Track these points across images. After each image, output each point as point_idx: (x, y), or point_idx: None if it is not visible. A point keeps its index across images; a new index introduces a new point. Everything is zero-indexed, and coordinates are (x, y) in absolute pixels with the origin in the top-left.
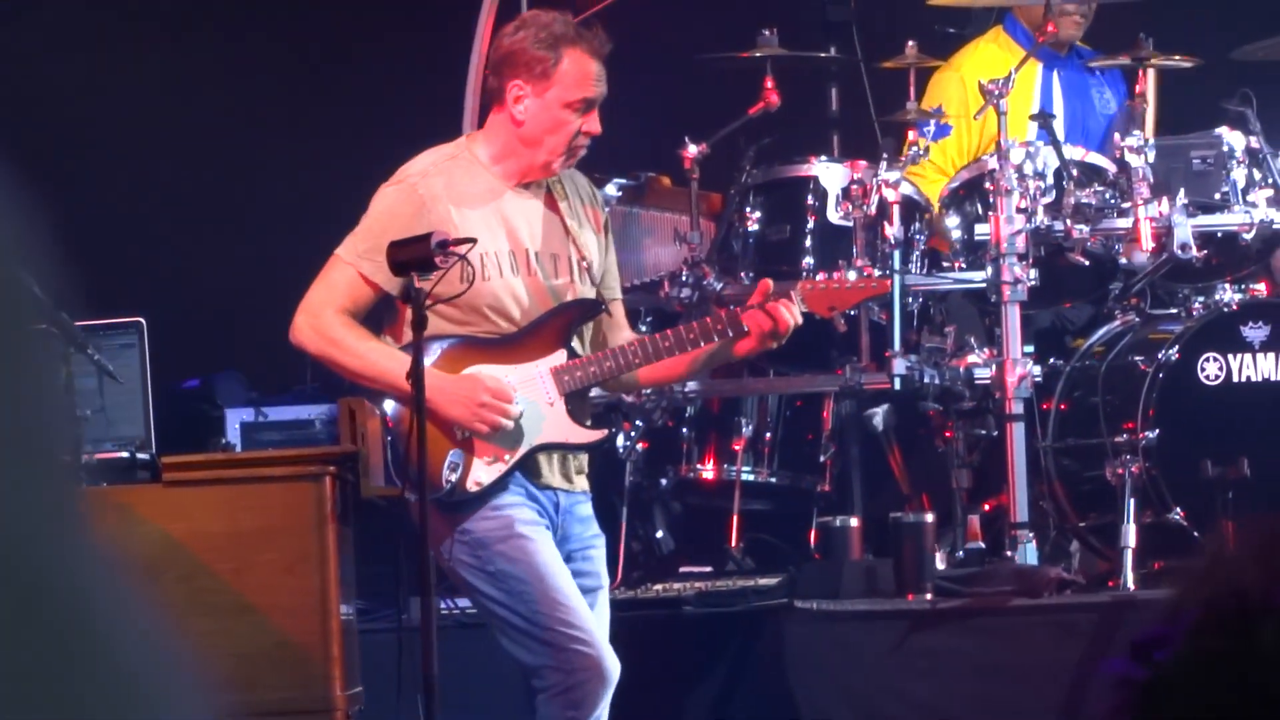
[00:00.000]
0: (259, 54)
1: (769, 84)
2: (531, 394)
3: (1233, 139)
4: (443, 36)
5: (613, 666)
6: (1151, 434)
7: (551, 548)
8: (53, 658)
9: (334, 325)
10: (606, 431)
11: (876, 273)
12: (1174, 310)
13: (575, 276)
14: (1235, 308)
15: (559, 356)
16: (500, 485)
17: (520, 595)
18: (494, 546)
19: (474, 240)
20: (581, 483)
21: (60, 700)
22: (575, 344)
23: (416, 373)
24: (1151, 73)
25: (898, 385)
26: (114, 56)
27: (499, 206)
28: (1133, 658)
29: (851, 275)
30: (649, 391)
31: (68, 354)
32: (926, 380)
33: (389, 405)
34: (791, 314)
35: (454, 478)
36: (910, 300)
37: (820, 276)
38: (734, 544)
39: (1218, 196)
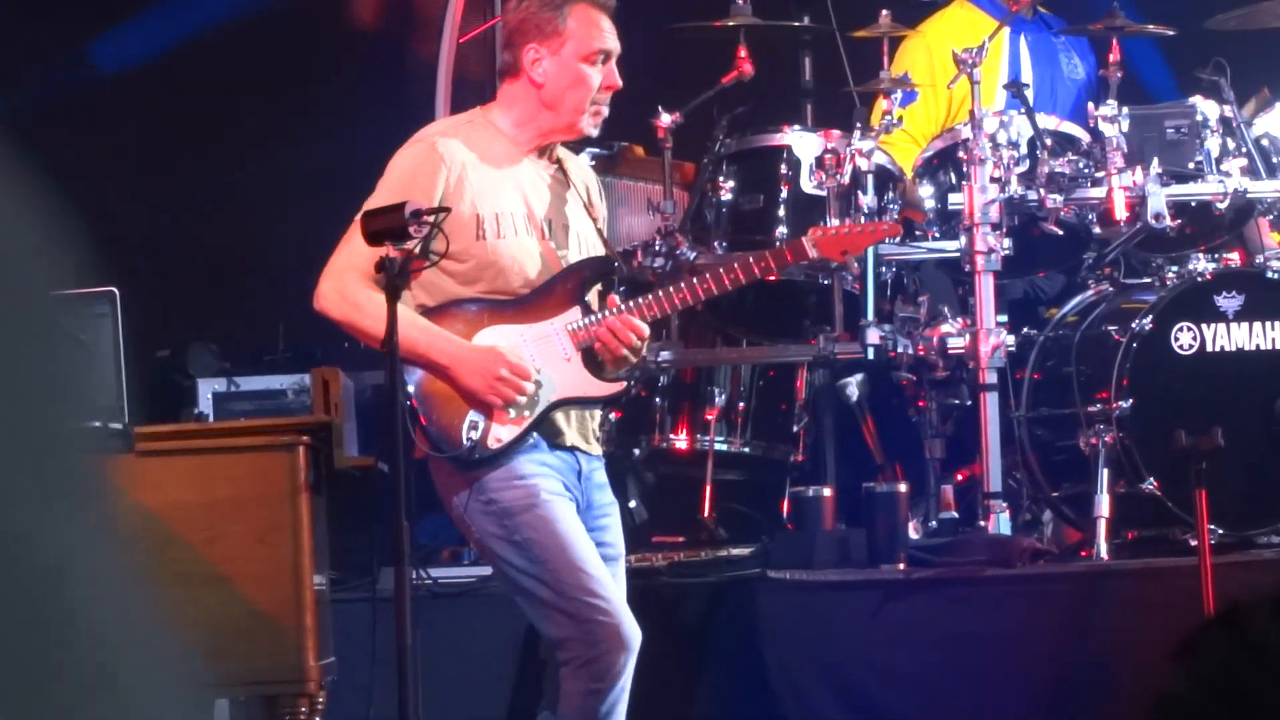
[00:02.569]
0: (235, 27)
1: (742, 53)
2: (547, 351)
3: (1206, 108)
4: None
5: (634, 635)
6: (1125, 404)
7: (575, 518)
8: (31, 635)
9: (355, 289)
10: (625, 383)
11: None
12: (1147, 280)
13: (582, 250)
14: (1209, 277)
15: (573, 313)
16: (520, 443)
17: (545, 564)
18: (519, 516)
19: (448, 210)
20: (597, 447)
21: (39, 679)
22: (589, 300)
23: (390, 340)
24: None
25: (871, 355)
26: (89, 26)
27: (514, 171)
28: None
29: (862, 219)
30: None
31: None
32: (900, 350)
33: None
34: (634, 328)
35: (475, 435)
36: (884, 270)
37: (832, 222)
38: (707, 514)
39: (1191, 166)
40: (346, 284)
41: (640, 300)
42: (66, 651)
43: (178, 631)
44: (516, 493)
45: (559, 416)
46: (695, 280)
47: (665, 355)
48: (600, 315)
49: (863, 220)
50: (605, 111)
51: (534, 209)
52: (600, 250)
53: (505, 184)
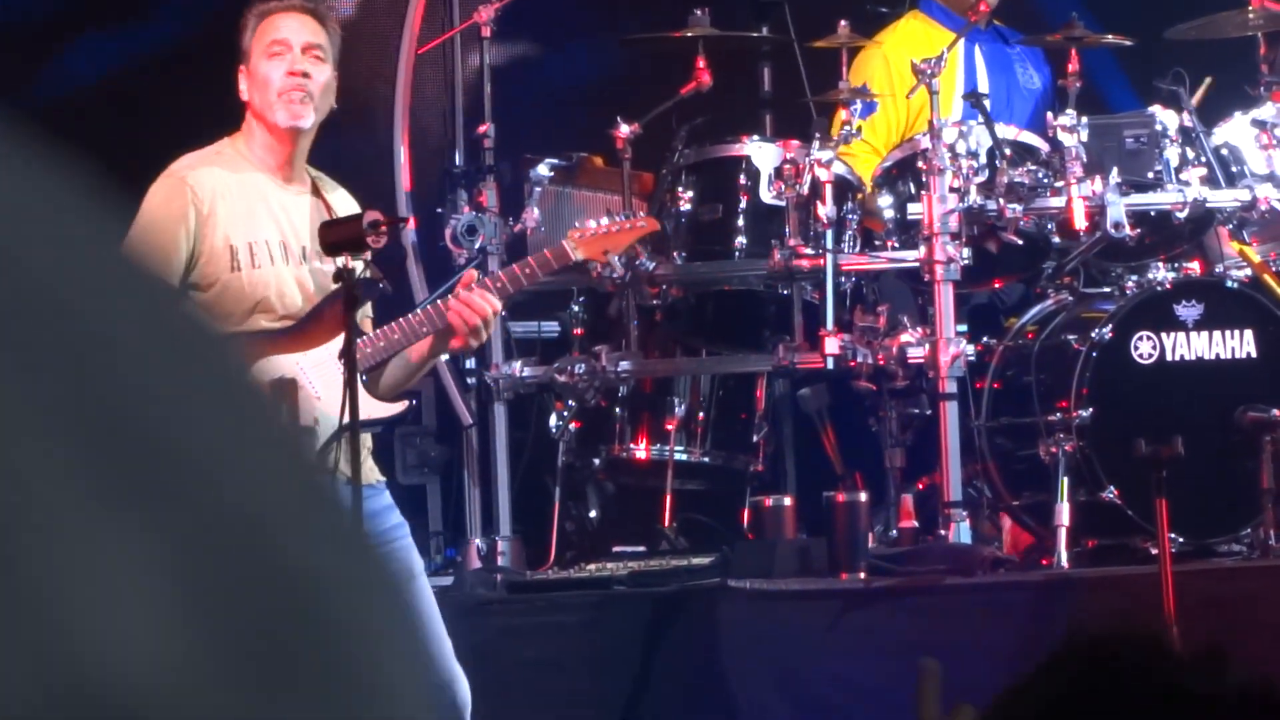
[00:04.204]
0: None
1: (701, 64)
2: (325, 377)
3: (1166, 118)
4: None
5: None
6: (1085, 413)
7: None
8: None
9: None
10: (408, 402)
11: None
12: (1107, 289)
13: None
14: (1169, 286)
15: (339, 340)
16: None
17: None
18: None
19: (406, 219)
20: (373, 472)
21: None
22: (359, 322)
23: (349, 348)
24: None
25: (831, 365)
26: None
27: (265, 199)
28: None
29: (620, 218)
30: (581, 371)
31: None
32: (859, 359)
33: None
34: (489, 301)
35: None
36: (843, 280)
37: (590, 223)
38: (667, 523)
39: (1151, 175)
40: None
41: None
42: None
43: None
44: None
45: (333, 447)
46: (465, 292)
47: (625, 365)
48: (372, 336)
49: (620, 219)
50: (299, 99)
51: (288, 235)
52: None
53: (257, 212)
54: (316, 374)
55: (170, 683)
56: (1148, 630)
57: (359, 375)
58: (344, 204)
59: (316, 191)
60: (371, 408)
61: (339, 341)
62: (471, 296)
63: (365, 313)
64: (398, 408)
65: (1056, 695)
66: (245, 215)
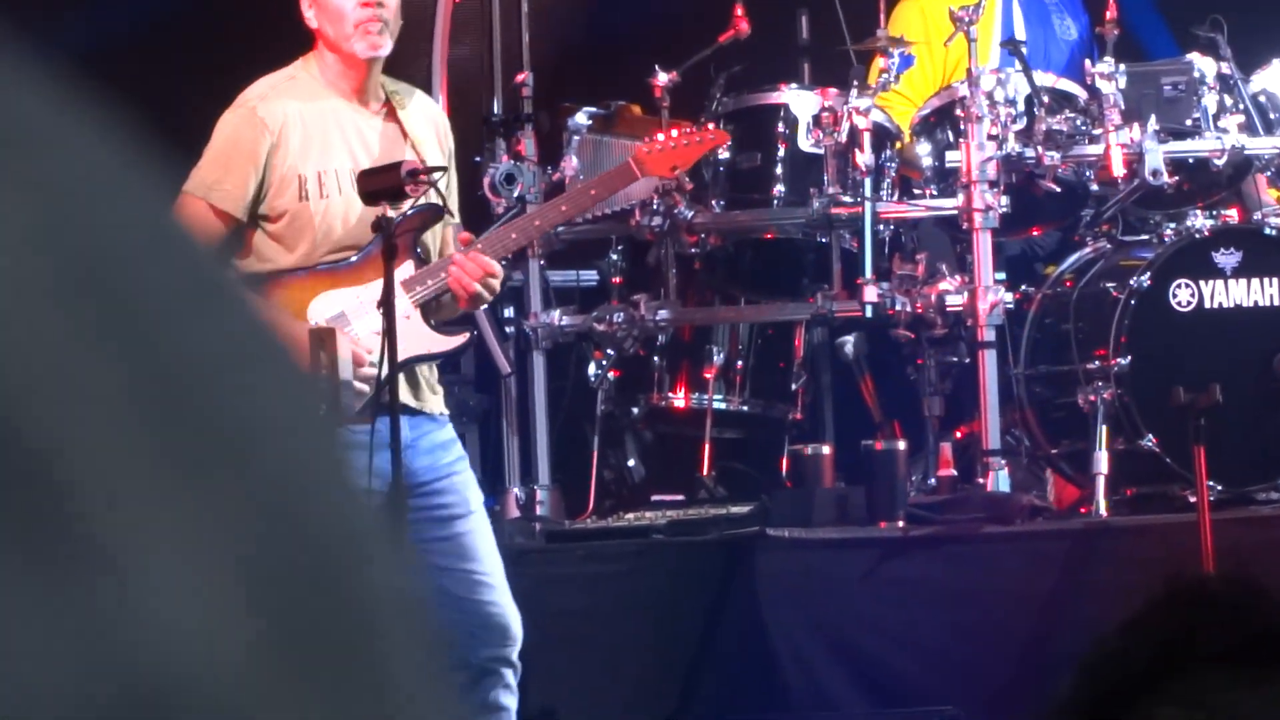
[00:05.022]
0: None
1: (739, 11)
2: None
3: (1204, 65)
4: None
5: None
6: (1123, 361)
7: None
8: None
9: None
10: (469, 334)
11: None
12: (1145, 237)
13: (423, 193)
14: (1207, 234)
15: (406, 268)
16: (369, 409)
17: None
18: None
19: (445, 169)
20: (435, 403)
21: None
22: (422, 252)
23: (388, 298)
24: None
25: (869, 313)
26: None
27: (339, 124)
28: None
29: (687, 130)
30: (620, 319)
31: None
32: (898, 308)
33: None
34: (481, 264)
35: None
36: (881, 228)
37: (659, 137)
38: (705, 472)
39: (1189, 123)
40: None
41: (486, 236)
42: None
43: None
44: None
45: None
46: (534, 216)
47: (663, 314)
48: (436, 263)
49: (687, 131)
50: (377, 30)
51: (361, 163)
52: (443, 187)
53: (331, 140)
54: (377, 307)
55: (230, 680)
56: (1247, 574)
57: (421, 307)
58: (420, 117)
59: (392, 113)
60: (431, 341)
61: (402, 272)
62: (464, 260)
63: (437, 234)
64: (458, 340)
65: (1164, 638)
66: (317, 144)
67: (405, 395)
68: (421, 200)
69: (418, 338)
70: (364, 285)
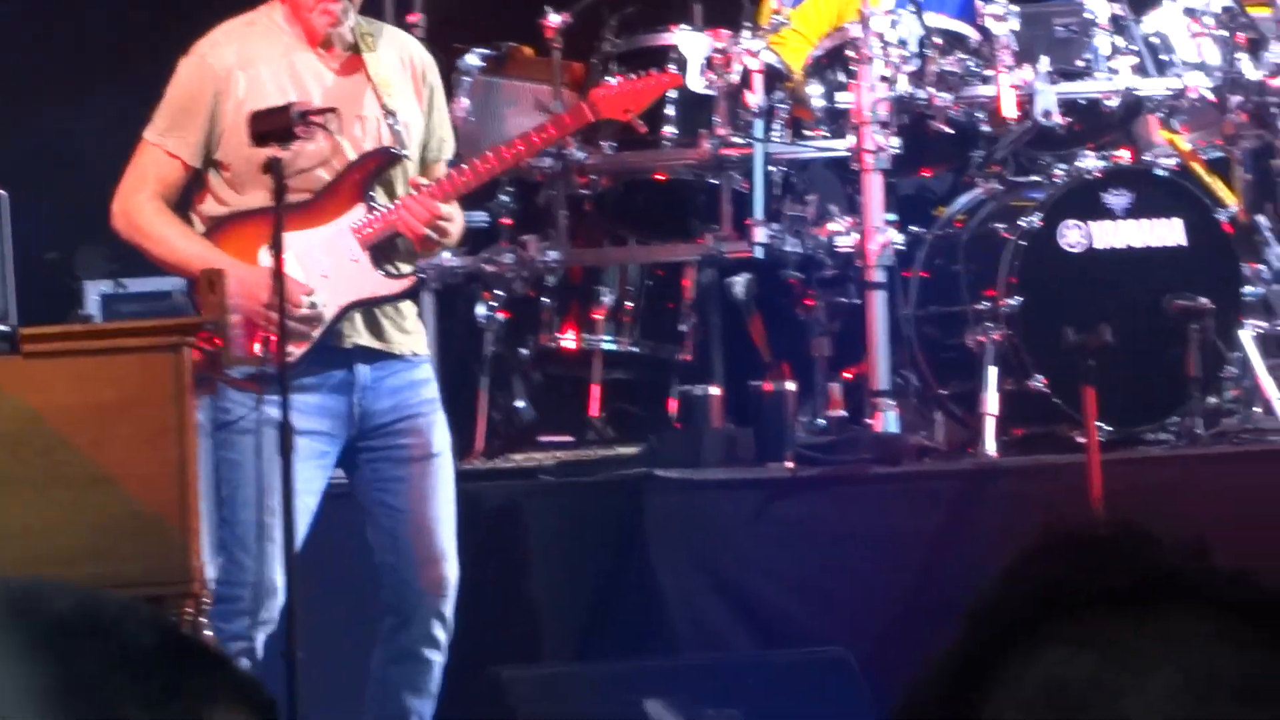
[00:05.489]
0: None
1: None
2: (335, 253)
3: (1096, 6)
4: None
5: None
6: (1013, 301)
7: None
8: None
9: (141, 211)
10: (413, 279)
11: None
12: (1036, 178)
13: (381, 136)
14: (1098, 175)
15: (358, 211)
16: (312, 353)
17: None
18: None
19: (335, 109)
20: (404, 344)
21: None
22: (378, 196)
23: (277, 242)
24: None
25: (759, 254)
26: None
27: (293, 71)
28: None
29: (643, 73)
30: (509, 260)
31: None
32: (788, 249)
33: None
34: (426, 206)
35: (264, 352)
36: (772, 169)
37: (610, 80)
38: (594, 413)
39: (1080, 64)
40: (131, 206)
41: (437, 179)
42: None
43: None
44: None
45: (343, 318)
46: (488, 154)
47: (553, 255)
48: (388, 206)
49: (642, 73)
50: (339, 10)
51: (317, 104)
52: (415, 130)
53: (282, 86)
54: (325, 250)
55: None
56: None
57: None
58: (391, 58)
59: (357, 57)
60: (376, 284)
61: (350, 215)
62: (410, 202)
63: (408, 174)
64: (402, 284)
65: (1049, 581)
66: (268, 90)
67: (365, 337)
68: (370, 146)
69: (364, 281)
70: (314, 228)
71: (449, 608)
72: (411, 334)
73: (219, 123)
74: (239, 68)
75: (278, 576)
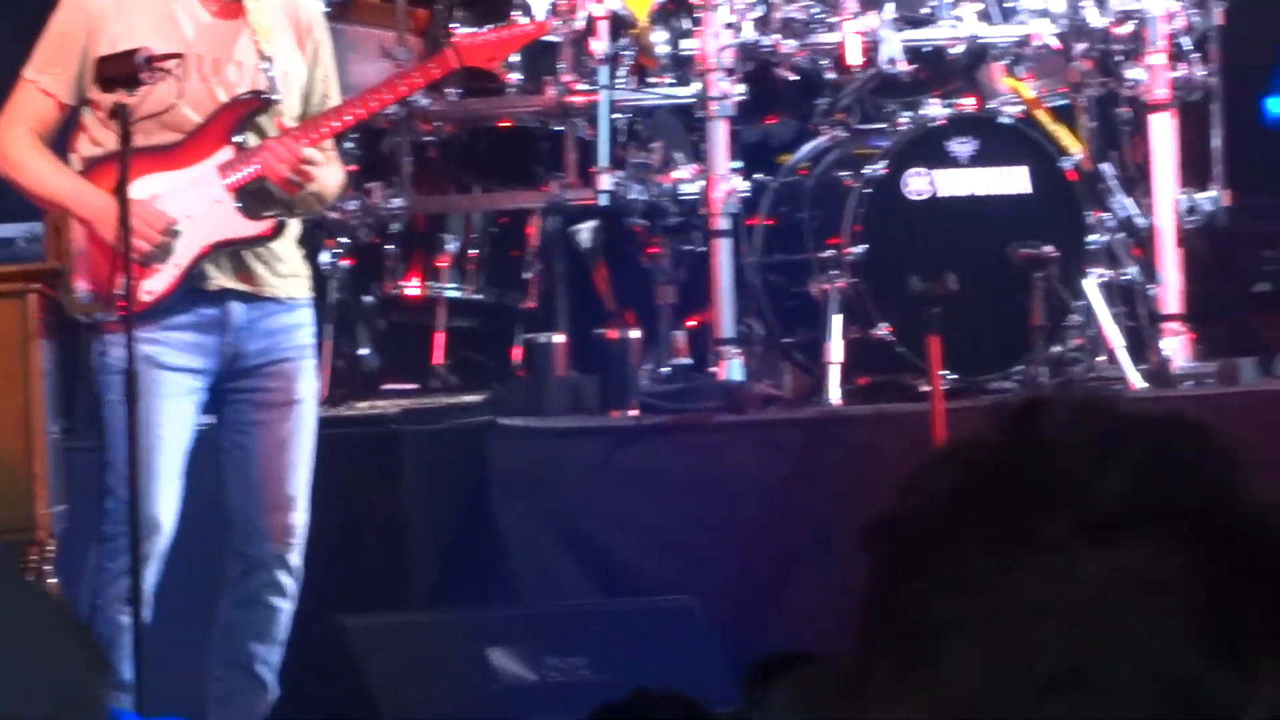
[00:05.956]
0: None
1: None
2: (199, 195)
3: None
4: None
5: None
6: (858, 249)
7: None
8: None
9: (14, 145)
10: (274, 222)
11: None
12: (881, 125)
13: (255, 82)
14: (942, 123)
15: (224, 153)
16: (177, 294)
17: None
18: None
19: (181, 55)
20: (280, 287)
21: None
22: (247, 139)
23: (122, 189)
24: None
25: (604, 201)
26: None
27: (168, 14)
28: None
29: (508, 21)
30: (353, 207)
31: None
32: (633, 196)
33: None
34: (290, 150)
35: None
36: (617, 116)
37: (476, 29)
38: (439, 361)
39: (926, 11)
40: (5, 141)
41: (302, 124)
42: None
43: None
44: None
45: (208, 262)
46: (353, 100)
47: (397, 202)
48: (254, 150)
49: (507, 22)
50: None
51: (192, 47)
52: (295, 78)
53: (158, 28)
54: (192, 190)
55: None
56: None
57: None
58: (275, 9)
59: (237, 4)
60: (237, 226)
61: (216, 157)
62: (274, 145)
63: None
64: (261, 226)
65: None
66: (142, 32)
67: (231, 280)
68: (244, 90)
69: (225, 222)
70: (180, 169)
71: (296, 556)
72: (286, 278)
73: (92, 61)
74: (118, 9)
75: (159, 512)
